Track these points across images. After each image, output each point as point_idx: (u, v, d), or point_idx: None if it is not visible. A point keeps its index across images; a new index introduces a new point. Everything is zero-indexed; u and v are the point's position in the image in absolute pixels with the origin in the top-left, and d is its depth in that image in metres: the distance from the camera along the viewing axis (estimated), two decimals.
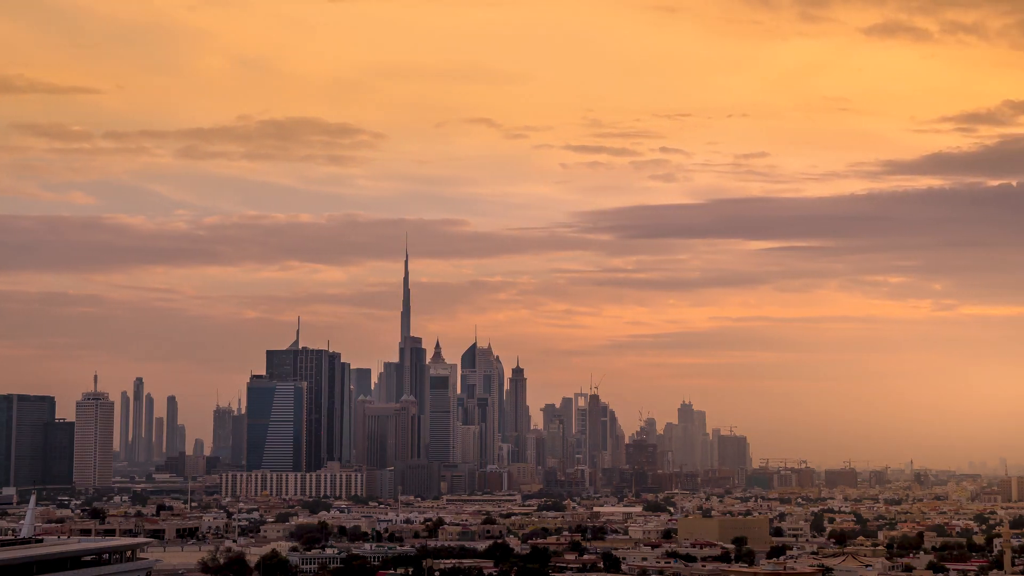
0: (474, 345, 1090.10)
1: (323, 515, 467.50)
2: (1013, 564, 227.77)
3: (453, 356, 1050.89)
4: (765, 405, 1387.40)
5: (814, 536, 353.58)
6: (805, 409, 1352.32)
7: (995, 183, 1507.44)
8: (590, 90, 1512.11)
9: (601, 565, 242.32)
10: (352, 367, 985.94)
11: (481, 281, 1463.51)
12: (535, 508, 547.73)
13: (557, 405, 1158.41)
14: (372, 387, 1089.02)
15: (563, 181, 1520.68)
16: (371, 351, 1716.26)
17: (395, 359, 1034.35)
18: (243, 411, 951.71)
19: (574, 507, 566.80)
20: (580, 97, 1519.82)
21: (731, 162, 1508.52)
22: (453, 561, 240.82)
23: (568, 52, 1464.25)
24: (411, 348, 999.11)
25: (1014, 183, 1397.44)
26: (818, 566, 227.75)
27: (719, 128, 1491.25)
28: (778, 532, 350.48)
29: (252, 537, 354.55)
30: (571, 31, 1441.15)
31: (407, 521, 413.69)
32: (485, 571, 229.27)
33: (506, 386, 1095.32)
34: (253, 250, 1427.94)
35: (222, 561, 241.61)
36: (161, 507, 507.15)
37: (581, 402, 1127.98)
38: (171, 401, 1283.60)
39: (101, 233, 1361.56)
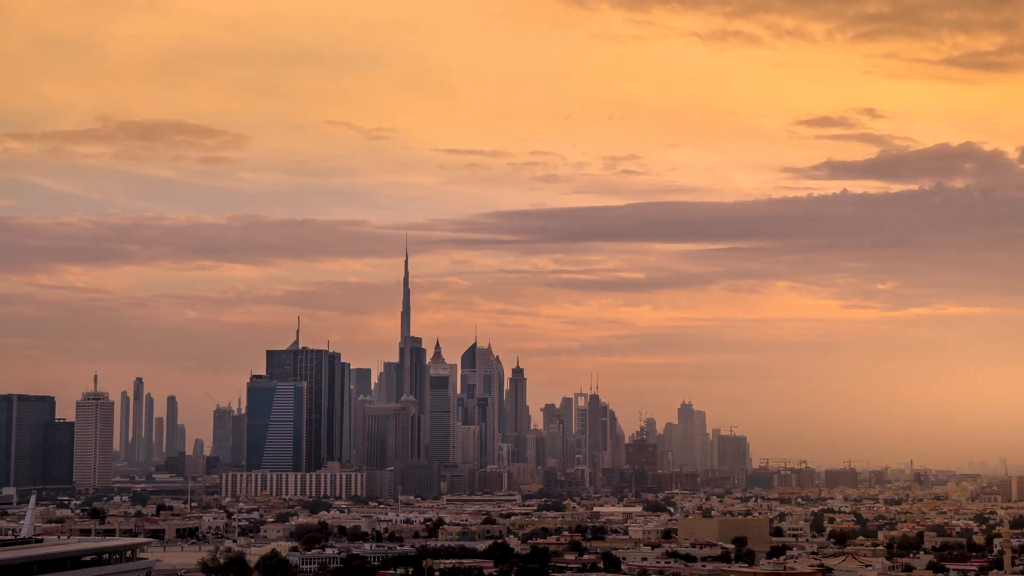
0: (474, 345, 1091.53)
1: (323, 515, 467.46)
2: (1013, 564, 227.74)
3: (453, 356, 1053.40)
4: (765, 405, 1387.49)
5: (814, 536, 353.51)
6: (805, 409, 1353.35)
7: (899, 187, 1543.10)
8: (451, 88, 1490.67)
9: (601, 565, 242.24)
10: (352, 367, 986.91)
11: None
12: (535, 508, 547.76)
13: (557, 405, 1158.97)
14: (372, 387, 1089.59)
15: (451, 182, 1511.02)
16: (369, 351, 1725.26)
17: (395, 359, 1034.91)
18: (243, 411, 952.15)
19: (574, 507, 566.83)
20: (444, 98, 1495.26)
21: (605, 164, 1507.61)
22: (453, 561, 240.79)
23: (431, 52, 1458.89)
24: (411, 348, 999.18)
25: (916, 187, 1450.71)
26: (818, 566, 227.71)
27: (591, 130, 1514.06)
28: (778, 532, 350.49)
29: (252, 537, 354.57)
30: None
31: (407, 521, 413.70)
32: (485, 571, 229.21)
33: (506, 386, 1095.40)
34: (164, 250, 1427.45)
35: (222, 561, 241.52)
36: (161, 507, 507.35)
37: (581, 402, 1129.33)
38: (171, 401, 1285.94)
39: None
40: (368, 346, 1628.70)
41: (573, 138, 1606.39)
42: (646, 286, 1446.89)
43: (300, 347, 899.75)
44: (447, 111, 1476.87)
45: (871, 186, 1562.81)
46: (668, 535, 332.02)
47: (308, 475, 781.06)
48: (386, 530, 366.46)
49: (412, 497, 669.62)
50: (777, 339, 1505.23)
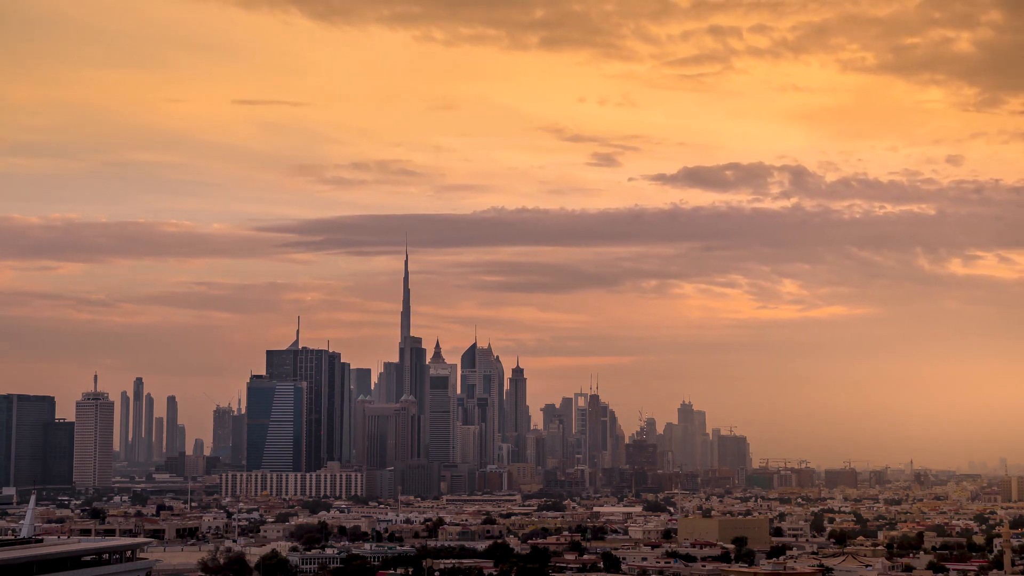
0: (474, 345, 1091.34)
1: (323, 515, 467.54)
2: (1013, 564, 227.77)
3: (453, 356, 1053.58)
4: (765, 405, 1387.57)
5: (814, 536, 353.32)
6: (805, 409, 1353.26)
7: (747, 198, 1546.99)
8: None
9: (601, 565, 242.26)
10: (352, 367, 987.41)
11: (280, 283, 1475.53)
12: (535, 508, 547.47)
13: (557, 405, 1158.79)
14: (372, 387, 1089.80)
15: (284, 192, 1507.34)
16: (369, 351, 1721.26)
17: (393, 359, 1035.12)
18: (243, 411, 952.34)
19: (574, 507, 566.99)
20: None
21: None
22: (453, 561, 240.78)
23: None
24: (411, 348, 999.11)
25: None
26: (818, 566, 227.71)
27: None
28: (778, 532, 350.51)
29: (252, 537, 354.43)
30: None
31: (407, 521, 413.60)
32: (485, 571, 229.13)
33: (506, 386, 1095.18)
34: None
35: (222, 561, 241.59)
36: (161, 507, 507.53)
37: (581, 402, 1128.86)
38: (171, 401, 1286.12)
39: None
40: (368, 346, 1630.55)
41: None
42: None
43: (300, 347, 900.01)
44: None
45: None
46: (668, 535, 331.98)
47: (308, 475, 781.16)
48: (386, 530, 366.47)
49: (412, 497, 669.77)
50: (778, 339, 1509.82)
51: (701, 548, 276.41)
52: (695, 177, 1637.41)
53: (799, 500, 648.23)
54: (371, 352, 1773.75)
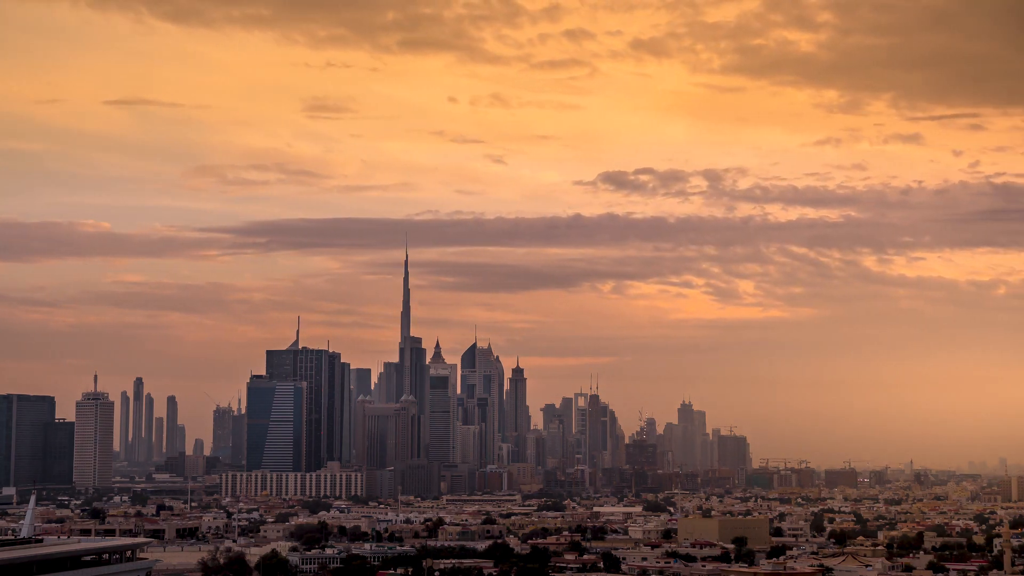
0: (474, 345, 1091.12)
1: (323, 515, 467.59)
2: (1013, 564, 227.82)
3: (453, 356, 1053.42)
4: (765, 405, 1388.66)
5: (814, 536, 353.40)
6: (805, 409, 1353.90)
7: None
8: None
9: (601, 565, 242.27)
10: (352, 367, 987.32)
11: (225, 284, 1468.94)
12: (535, 508, 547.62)
13: (557, 405, 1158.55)
14: (372, 387, 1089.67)
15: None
16: (369, 351, 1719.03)
17: (394, 359, 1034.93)
18: (243, 411, 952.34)
19: (574, 507, 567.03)
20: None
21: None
22: (453, 561, 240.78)
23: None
24: (411, 348, 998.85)
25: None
26: (818, 566, 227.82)
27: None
28: (778, 532, 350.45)
29: (252, 537, 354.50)
30: None
31: (407, 521, 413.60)
32: (485, 571, 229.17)
33: (506, 386, 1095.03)
34: None
35: (222, 561, 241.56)
36: (161, 507, 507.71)
37: (581, 402, 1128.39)
38: (171, 401, 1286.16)
39: None
40: (367, 345, 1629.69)
41: None
42: None
43: (300, 347, 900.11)
44: None
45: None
46: (668, 535, 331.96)
47: (308, 475, 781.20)
48: (386, 530, 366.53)
49: (412, 497, 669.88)
50: (778, 338, 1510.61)
51: (701, 548, 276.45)
52: (615, 181, 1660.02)
53: (799, 500, 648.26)
54: (366, 353, 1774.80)
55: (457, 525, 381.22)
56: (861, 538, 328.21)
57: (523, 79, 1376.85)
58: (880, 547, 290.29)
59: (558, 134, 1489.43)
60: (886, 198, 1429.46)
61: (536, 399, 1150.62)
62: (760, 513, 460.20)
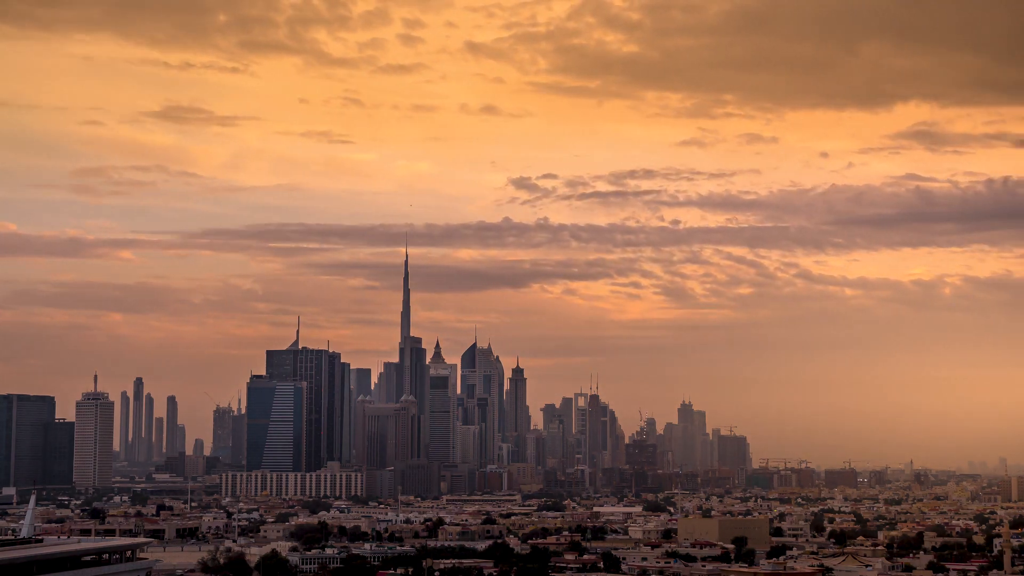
0: (474, 345, 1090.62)
1: (323, 515, 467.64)
2: (1013, 564, 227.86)
3: (453, 356, 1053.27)
4: (765, 405, 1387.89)
5: (814, 536, 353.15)
6: (805, 409, 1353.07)
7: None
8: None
9: (601, 565, 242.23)
10: (352, 367, 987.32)
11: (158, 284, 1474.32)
12: (535, 508, 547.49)
13: (557, 405, 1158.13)
14: (372, 387, 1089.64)
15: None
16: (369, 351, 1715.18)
17: (395, 359, 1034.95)
18: (243, 411, 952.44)
19: (574, 507, 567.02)
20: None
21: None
22: (453, 561, 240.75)
23: None
24: (411, 348, 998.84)
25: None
26: (818, 566, 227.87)
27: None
28: (778, 532, 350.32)
29: (252, 537, 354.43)
30: None
31: (407, 521, 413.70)
32: (485, 571, 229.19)
33: (506, 386, 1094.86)
34: None
35: (222, 561, 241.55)
36: (161, 507, 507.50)
37: (581, 402, 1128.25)
38: (171, 401, 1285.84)
39: None
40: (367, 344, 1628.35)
41: None
42: None
43: (300, 347, 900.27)
44: None
45: None
46: (668, 535, 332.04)
47: (308, 475, 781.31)
48: (386, 530, 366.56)
49: (412, 497, 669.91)
50: (779, 337, 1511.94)
51: (701, 548, 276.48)
52: (521, 185, 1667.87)
53: (799, 500, 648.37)
54: (369, 352, 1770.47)
55: (457, 525, 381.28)
56: (861, 538, 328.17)
57: (372, 82, 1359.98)
58: (880, 547, 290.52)
59: (436, 136, 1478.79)
60: (790, 201, 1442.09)
61: (536, 399, 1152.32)
62: (760, 513, 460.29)
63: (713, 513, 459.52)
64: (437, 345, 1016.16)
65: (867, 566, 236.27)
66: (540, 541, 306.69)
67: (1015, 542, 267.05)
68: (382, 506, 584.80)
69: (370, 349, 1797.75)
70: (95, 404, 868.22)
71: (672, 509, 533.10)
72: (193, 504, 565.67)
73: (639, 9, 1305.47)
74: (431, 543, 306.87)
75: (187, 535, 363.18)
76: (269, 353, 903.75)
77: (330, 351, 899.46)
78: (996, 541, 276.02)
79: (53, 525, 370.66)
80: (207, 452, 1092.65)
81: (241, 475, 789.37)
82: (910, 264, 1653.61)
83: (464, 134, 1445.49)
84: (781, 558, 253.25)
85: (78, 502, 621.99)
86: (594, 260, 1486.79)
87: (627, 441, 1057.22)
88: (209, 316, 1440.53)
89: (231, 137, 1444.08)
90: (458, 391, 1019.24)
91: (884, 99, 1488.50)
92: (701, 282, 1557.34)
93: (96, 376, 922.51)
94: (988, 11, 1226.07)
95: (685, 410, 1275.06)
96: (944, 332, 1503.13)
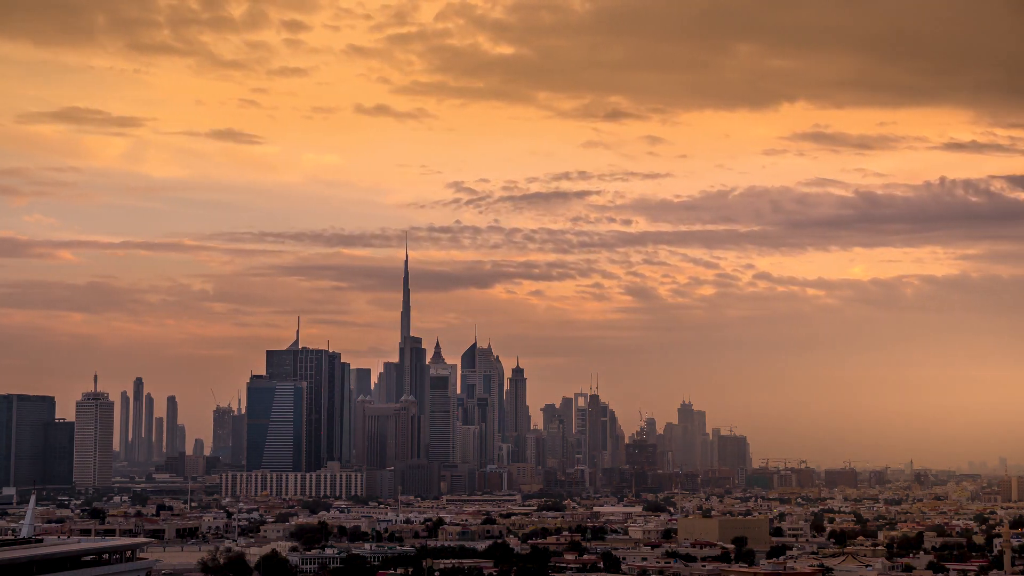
0: (474, 345, 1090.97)
1: (323, 515, 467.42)
2: (1013, 564, 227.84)
3: (453, 356, 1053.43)
4: (765, 405, 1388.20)
5: (814, 536, 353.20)
6: (805, 409, 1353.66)
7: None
8: None
9: (601, 565, 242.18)
10: (352, 367, 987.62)
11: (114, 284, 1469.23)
12: (535, 508, 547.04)
13: (557, 405, 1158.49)
14: (372, 387, 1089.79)
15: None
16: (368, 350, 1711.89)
17: (395, 359, 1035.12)
18: (243, 411, 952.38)
19: (574, 507, 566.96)
20: None
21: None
22: (453, 561, 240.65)
23: None
24: (411, 348, 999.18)
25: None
26: (818, 566, 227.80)
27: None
28: (778, 532, 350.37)
29: (252, 537, 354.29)
30: None
31: (407, 521, 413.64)
32: (485, 571, 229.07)
33: (506, 386, 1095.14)
34: None
35: (222, 561, 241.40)
36: (161, 507, 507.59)
37: (581, 402, 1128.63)
38: (171, 401, 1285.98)
39: None
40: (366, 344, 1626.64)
41: None
42: None
43: (300, 347, 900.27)
44: None
45: None
46: (668, 535, 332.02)
47: (308, 475, 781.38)
48: (386, 530, 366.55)
49: (412, 497, 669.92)
50: (778, 337, 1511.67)
51: (701, 548, 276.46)
52: (459, 188, 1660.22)
53: (799, 500, 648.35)
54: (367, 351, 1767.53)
55: (457, 525, 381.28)
56: (861, 538, 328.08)
57: (268, 85, 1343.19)
58: (880, 547, 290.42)
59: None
60: (718, 203, 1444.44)
61: (536, 399, 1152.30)
62: (760, 513, 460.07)
63: (713, 513, 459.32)
64: (437, 345, 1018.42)
65: (867, 566, 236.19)
66: (540, 541, 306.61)
67: (1015, 542, 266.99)
68: (382, 506, 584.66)
69: (349, 349, 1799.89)
70: (95, 404, 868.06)
71: (672, 509, 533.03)
72: (193, 504, 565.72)
73: (505, 10, 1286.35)
74: (431, 543, 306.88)
75: (187, 535, 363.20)
76: (269, 353, 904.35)
77: (330, 351, 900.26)
78: (996, 541, 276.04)
79: (53, 525, 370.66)
80: (207, 452, 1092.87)
81: (241, 475, 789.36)
82: (865, 265, 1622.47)
83: (381, 136, 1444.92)
84: (781, 558, 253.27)
85: (78, 502, 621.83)
86: (554, 261, 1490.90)
87: (627, 441, 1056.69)
88: (168, 316, 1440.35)
89: (134, 136, 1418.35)
90: (458, 391, 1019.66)
91: (769, 99, 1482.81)
92: (662, 283, 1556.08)
93: (96, 376, 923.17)
94: (856, 15, 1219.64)
95: (685, 410, 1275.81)
96: (917, 331, 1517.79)
